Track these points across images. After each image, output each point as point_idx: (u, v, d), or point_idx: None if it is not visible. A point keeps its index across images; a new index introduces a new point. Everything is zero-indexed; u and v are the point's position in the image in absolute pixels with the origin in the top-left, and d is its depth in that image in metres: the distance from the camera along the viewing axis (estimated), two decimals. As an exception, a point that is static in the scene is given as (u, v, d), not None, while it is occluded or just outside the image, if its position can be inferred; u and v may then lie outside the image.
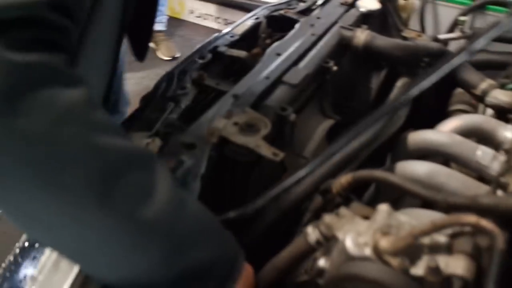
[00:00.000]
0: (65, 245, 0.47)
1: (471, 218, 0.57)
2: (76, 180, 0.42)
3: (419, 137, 0.94)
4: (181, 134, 0.83)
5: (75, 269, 0.62)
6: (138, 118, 0.94)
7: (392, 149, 0.97)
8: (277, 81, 0.93)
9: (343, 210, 0.65)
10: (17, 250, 0.76)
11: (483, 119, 0.97)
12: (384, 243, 0.57)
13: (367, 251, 0.58)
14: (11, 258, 0.75)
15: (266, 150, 0.76)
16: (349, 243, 0.59)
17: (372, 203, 0.66)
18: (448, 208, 0.64)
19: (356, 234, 0.60)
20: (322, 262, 0.63)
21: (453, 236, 0.59)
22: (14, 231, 0.52)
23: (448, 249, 0.58)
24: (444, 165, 0.84)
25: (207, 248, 0.53)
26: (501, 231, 0.55)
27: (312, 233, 0.64)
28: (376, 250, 0.57)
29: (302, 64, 0.97)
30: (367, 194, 0.95)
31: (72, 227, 0.44)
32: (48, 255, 0.65)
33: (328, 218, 0.64)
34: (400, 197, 0.90)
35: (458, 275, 0.54)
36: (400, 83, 1.07)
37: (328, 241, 0.63)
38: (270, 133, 0.81)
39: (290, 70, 0.94)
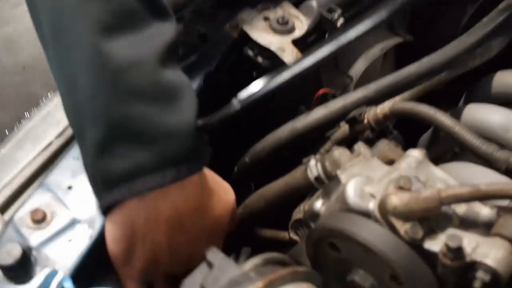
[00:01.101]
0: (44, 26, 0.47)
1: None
2: None
3: (510, 77, 0.72)
4: (203, 23, 0.70)
5: (37, 150, 0.55)
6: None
7: (470, 87, 0.76)
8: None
9: (360, 147, 0.49)
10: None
11: None
12: (396, 200, 0.41)
13: (371, 205, 0.43)
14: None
15: (290, 56, 0.60)
16: (350, 190, 0.44)
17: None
18: (508, 171, 0.46)
19: (364, 181, 0.44)
20: (318, 205, 0.49)
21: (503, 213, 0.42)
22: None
23: (487, 228, 0.42)
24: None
25: (160, 112, 0.45)
26: None
27: (314, 167, 0.50)
28: (383, 206, 0.42)
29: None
30: (423, 139, 0.77)
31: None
32: (17, 132, 0.58)
33: (337, 152, 0.49)
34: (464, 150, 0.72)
35: (486, 264, 0.38)
36: (503, 5, 0.81)
37: (330, 181, 0.49)
38: (305, 36, 0.64)
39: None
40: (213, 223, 0.50)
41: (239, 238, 0.61)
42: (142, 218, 0.45)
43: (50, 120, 0.59)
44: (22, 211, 0.46)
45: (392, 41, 0.80)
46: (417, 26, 0.90)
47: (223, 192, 0.52)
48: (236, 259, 0.56)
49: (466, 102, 0.70)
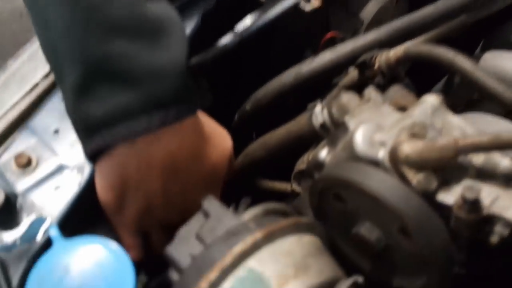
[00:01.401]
0: None
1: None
2: None
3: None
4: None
5: (23, 91, 0.52)
6: None
7: (490, 33, 0.71)
8: None
9: (370, 91, 0.45)
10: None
11: None
12: (408, 148, 0.38)
13: (381, 154, 0.39)
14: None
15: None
16: (359, 137, 0.40)
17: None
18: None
19: (373, 128, 0.41)
20: (323, 154, 0.46)
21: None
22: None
23: (507, 180, 0.38)
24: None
25: (144, 50, 0.40)
26: None
27: (319, 113, 0.46)
28: (394, 155, 0.38)
29: None
30: (436, 89, 0.73)
31: None
32: (2, 73, 0.54)
33: (346, 97, 0.45)
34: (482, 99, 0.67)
35: (506, 218, 0.35)
36: None
37: (337, 128, 0.45)
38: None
39: None
40: (210, 170, 0.47)
41: (239, 188, 0.59)
42: (133, 165, 0.42)
43: (38, 60, 0.55)
44: (6, 156, 0.43)
45: (407, -18, 0.74)
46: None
47: (220, 138, 0.49)
48: (236, 210, 0.53)
49: (484, 50, 0.65)
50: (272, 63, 0.71)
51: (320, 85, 0.62)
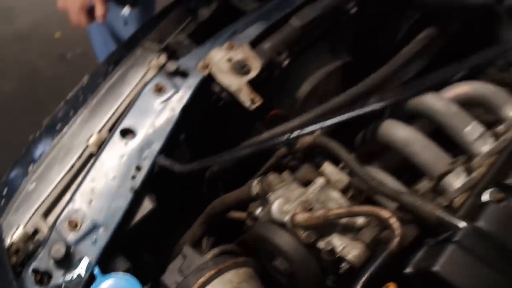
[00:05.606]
0: None
1: (384, 213, 0.64)
2: None
3: (420, 99, 0.94)
4: (182, 56, 0.90)
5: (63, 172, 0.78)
6: (154, 26, 1.01)
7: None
8: (286, 17, 0.93)
9: (285, 175, 0.73)
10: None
11: (494, 91, 0.93)
12: (300, 218, 0.66)
13: (286, 219, 0.67)
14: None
15: (245, 96, 0.82)
16: (275, 207, 0.69)
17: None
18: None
19: (284, 201, 0.69)
20: (258, 211, 0.74)
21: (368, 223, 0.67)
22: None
23: (357, 233, 0.66)
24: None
25: None
26: (403, 233, 0.62)
27: (255, 186, 0.74)
28: (293, 221, 0.66)
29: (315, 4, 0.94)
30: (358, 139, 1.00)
31: None
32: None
33: (271, 177, 0.73)
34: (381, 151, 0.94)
35: (347, 259, 0.63)
36: (422, 35, 1.02)
37: (265, 196, 0.73)
38: (258, 76, 0.85)
39: (300, 11, 0.93)
40: None
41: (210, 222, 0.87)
42: None
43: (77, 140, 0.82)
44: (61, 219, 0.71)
45: (333, 65, 1.00)
46: (361, 43, 1.09)
47: None
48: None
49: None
50: (231, 131, 0.97)
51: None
